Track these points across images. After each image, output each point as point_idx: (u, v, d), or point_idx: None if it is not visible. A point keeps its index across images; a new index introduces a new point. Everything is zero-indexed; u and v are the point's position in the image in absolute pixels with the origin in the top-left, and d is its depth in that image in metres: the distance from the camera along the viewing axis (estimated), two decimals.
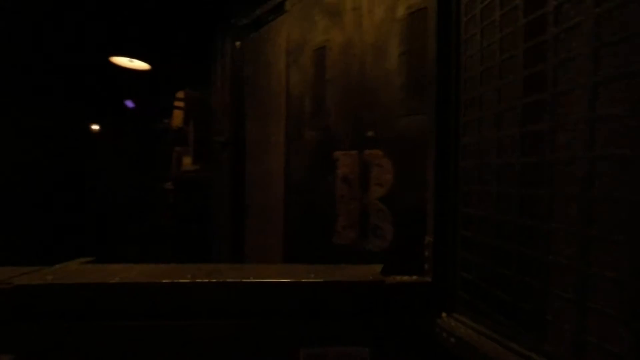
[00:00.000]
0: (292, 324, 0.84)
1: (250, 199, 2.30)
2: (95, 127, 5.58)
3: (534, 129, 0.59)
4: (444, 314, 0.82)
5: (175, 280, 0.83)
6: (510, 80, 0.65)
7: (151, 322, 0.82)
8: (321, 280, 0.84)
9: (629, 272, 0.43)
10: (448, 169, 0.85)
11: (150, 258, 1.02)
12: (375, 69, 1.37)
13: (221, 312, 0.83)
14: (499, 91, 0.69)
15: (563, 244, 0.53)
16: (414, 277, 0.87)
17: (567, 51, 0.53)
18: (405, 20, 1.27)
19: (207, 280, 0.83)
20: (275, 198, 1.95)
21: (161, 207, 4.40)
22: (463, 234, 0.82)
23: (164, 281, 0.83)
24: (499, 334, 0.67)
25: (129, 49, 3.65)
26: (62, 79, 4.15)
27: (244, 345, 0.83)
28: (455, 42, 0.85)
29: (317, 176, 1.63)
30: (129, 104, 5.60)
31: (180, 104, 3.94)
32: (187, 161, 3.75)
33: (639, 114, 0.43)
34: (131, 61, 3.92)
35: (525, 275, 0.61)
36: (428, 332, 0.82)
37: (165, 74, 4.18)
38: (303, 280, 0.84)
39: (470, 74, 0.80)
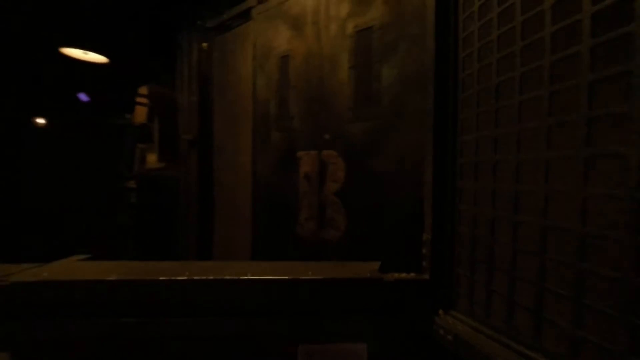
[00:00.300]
0: (291, 321, 0.83)
1: (218, 196, 2.41)
2: (41, 121, 5.23)
3: (531, 126, 0.59)
4: (441, 311, 0.82)
5: (173, 278, 0.82)
6: (508, 78, 0.65)
7: (149, 319, 0.81)
8: (319, 277, 0.84)
9: (629, 271, 0.42)
10: (446, 167, 0.85)
11: (112, 259, 1.02)
12: (331, 79, 1.58)
13: (219, 309, 0.83)
14: (496, 89, 0.69)
15: (560, 241, 0.52)
16: (412, 275, 0.88)
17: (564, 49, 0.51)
18: (354, 37, 1.49)
19: (204, 278, 0.83)
20: (244, 195, 2.10)
21: (123, 207, 4.29)
22: (460, 230, 0.81)
23: (161, 278, 0.82)
24: (497, 331, 0.66)
25: (84, 41, 3.53)
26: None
27: (242, 342, 0.83)
28: (453, 40, 0.84)
29: (283, 174, 1.81)
30: (83, 97, 5.31)
31: (144, 100, 3.87)
32: (151, 159, 3.71)
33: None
34: (86, 53, 3.78)
35: (520, 272, 0.60)
36: (426, 329, 0.83)
37: (126, 68, 4.07)
38: (301, 278, 0.84)
39: (468, 72, 0.79)
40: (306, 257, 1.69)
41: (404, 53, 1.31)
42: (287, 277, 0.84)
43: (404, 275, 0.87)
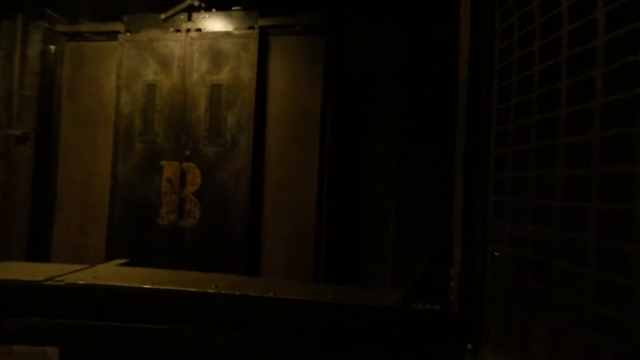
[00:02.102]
0: (309, 342, 0.85)
1: (65, 195, 2.55)
2: None
3: (573, 173, 0.57)
4: (469, 346, 0.82)
5: (202, 290, 0.90)
6: (549, 117, 0.63)
7: (177, 327, 0.88)
8: (344, 302, 0.87)
9: None
10: (476, 204, 0.84)
11: None
12: (192, 112, 2.32)
13: (241, 322, 0.88)
14: (536, 126, 0.66)
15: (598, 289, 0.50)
16: (437, 307, 0.88)
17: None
18: (210, 88, 2.31)
19: (230, 292, 0.90)
20: (101, 194, 2.43)
21: None
22: (493, 270, 0.80)
23: (191, 290, 0.91)
24: None
25: None
26: None
27: (261, 357, 0.88)
28: (487, 71, 0.83)
29: (146, 177, 2.35)
30: None
31: None
32: None
33: None
34: None
35: (567, 320, 0.57)
36: None
37: None
38: (323, 301, 0.88)
39: (503, 105, 0.77)
40: (166, 240, 2.31)
41: (239, 107, 2.25)
42: (309, 299, 0.88)
43: (428, 306, 0.88)
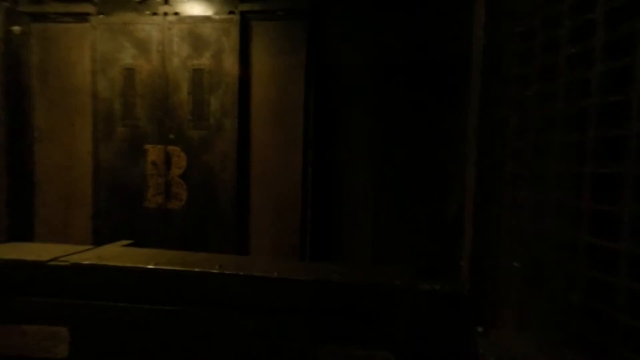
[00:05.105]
0: (314, 322, 0.86)
1: (43, 179, 2.58)
2: None
3: (579, 139, 0.56)
4: (480, 329, 0.80)
5: (206, 270, 0.91)
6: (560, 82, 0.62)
7: (181, 308, 0.90)
8: (349, 281, 0.87)
9: None
10: (492, 175, 0.82)
11: None
12: (174, 96, 2.41)
13: (245, 303, 0.89)
14: (558, 92, 0.64)
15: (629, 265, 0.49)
16: (447, 287, 0.87)
17: None
18: (191, 72, 2.41)
19: (235, 273, 0.91)
20: (83, 178, 2.49)
21: None
22: (510, 247, 0.78)
23: (195, 270, 0.92)
24: (546, 356, 0.62)
25: None
26: None
27: (264, 339, 0.88)
28: (504, 33, 0.81)
29: (129, 161, 2.44)
30: None
31: None
32: None
33: None
34: None
35: (591, 300, 0.56)
36: (461, 345, 0.81)
37: None
38: (329, 280, 0.88)
39: (519, 70, 0.75)
40: (154, 222, 2.45)
41: (223, 91, 2.38)
42: (314, 279, 0.89)
43: (438, 286, 0.87)
